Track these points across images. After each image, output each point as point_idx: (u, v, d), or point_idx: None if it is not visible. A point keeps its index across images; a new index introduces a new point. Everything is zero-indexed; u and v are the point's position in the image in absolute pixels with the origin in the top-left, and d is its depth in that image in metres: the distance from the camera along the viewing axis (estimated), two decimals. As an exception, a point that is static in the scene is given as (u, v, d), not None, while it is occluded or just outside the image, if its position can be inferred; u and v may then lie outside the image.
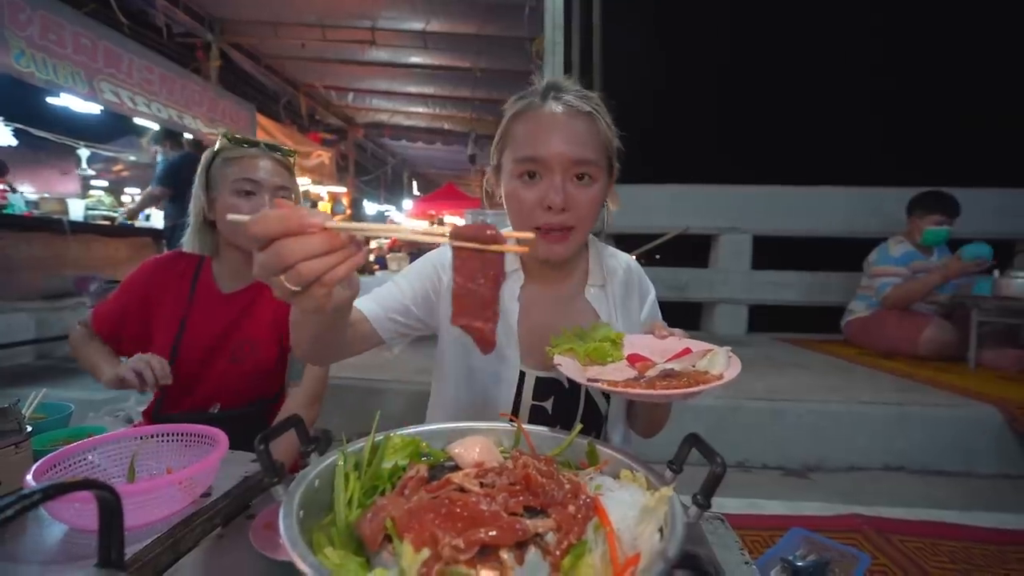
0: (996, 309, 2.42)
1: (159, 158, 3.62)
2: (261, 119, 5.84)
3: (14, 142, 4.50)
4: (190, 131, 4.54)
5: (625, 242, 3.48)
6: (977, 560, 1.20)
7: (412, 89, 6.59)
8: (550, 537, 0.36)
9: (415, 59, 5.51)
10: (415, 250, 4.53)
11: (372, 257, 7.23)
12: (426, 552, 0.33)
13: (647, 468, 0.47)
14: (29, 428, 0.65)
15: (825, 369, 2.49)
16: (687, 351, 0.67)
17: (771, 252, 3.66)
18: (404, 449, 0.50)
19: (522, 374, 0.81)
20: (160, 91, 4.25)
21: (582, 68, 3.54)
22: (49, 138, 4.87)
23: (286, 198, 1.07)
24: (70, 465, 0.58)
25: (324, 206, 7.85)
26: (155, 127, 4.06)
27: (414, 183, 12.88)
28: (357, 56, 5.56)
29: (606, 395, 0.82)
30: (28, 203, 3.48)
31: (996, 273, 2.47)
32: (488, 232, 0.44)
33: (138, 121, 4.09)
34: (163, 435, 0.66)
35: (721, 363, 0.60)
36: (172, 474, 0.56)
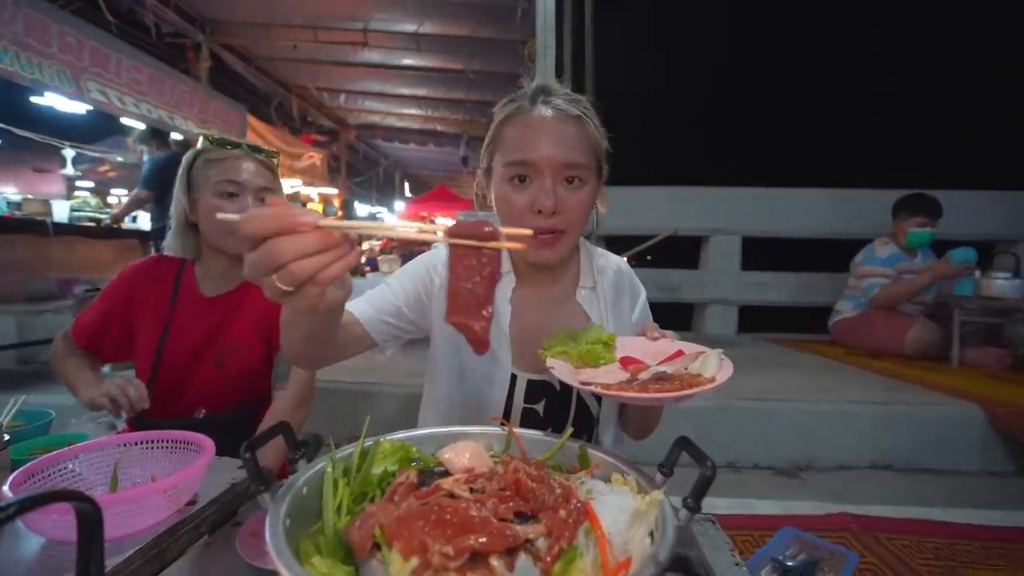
0: (978, 309, 2.47)
1: (145, 158, 3.56)
2: (252, 120, 5.78)
3: (-4, 142, 4.44)
4: (181, 132, 4.48)
5: (616, 243, 3.50)
6: (961, 556, 1.22)
7: (405, 91, 6.58)
8: (540, 543, 0.36)
9: (408, 61, 5.50)
10: (407, 252, 4.51)
11: (363, 259, 7.19)
12: (415, 560, 0.33)
13: (638, 471, 0.47)
14: (7, 437, 0.63)
15: (814, 369, 2.51)
16: (679, 353, 0.67)
17: (759, 253, 3.70)
18: (394, 454, 0.50)
19: (513, 377, 0.81)
20: (149, 91, 4.20)
21: (574, 70, 3.56)
22: (33, 138, 4.77)
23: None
24: (50, 475, 0.56)
25: (315, 207, 7.79)
26: (143, 127, 4.00)
27: (406, 185, 12.83)
28: (349, 58, 5.53)
29: (598, 397, 0.82)
30: (10, 204, 3.41)
31: (978, 274, 2.52)
32: (486, 229, 0.44)
33: (126, 121, 4.02)
34: (147, 442, 0.64)
35: (713, 365, 0.61)
36: (156, 482, 0.55)
